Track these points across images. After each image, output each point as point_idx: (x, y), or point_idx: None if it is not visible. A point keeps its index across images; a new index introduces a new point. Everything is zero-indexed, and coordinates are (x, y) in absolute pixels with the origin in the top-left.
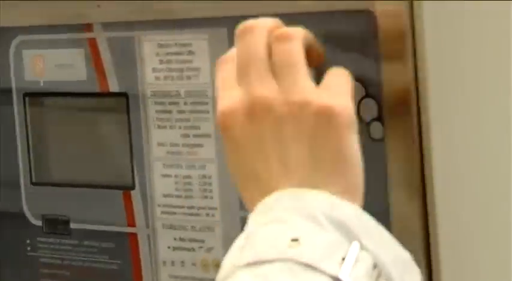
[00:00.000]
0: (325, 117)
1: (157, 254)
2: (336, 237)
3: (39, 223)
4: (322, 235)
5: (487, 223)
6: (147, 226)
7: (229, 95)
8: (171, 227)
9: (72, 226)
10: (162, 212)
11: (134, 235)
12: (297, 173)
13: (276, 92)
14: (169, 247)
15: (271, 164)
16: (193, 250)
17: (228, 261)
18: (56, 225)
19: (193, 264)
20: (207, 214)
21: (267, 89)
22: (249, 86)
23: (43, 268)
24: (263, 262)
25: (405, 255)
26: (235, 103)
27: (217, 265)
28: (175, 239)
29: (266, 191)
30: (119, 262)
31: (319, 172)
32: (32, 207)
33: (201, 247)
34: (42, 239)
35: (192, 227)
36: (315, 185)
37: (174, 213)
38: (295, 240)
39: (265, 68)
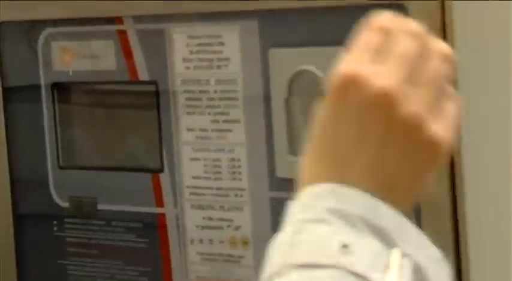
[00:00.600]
0: (431, 148)
1: (186, 233)
2: (377, 244)
3: (66, 204)
4: (367, 242)
5: None
6: (176, 207)
7: (366, 64)
8: (200, 207)
9: (100, 207)
10: (191, 193)
11: (162, 215)
12: (377, 176)
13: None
14: (197, 226)
15: (361, 153)
16: (221, 228)
17: (278, 255)
18: (83, 206)
19: (222, 242)
20: (236, 195)
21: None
22: (389, 74)
23: (70, 247)
24: (315, 265)
25: (438, 254)
26: (370, 75)
27: (245, 242)
28: (203, 218)
29: (336, 168)
30: (147, 240)
31: (394, 182)
32: (59, 190)
33: (229, 226)
34: (69, 220)
35: (221, 207)
36: (379, 190)
37: (203, 194)
38: (345, 246)
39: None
